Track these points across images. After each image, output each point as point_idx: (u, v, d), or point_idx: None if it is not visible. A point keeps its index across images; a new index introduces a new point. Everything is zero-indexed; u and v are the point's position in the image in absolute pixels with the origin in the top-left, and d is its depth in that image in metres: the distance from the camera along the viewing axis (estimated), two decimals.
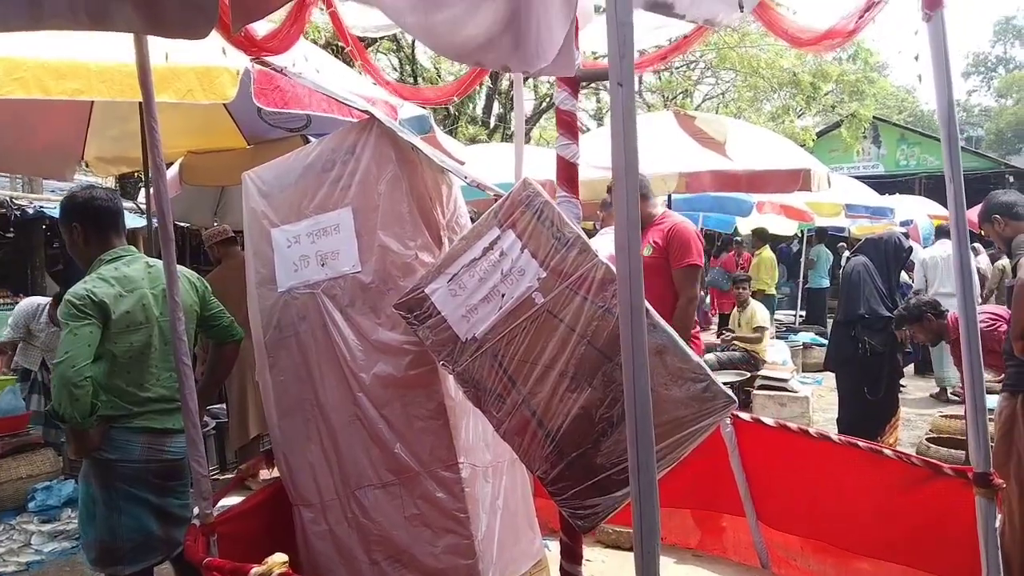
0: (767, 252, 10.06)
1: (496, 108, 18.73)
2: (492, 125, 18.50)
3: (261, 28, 3.03)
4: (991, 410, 4.00)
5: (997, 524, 3.20)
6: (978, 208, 3.90)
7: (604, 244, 4.74)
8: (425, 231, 2.64)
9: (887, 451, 2.79)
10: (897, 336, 4.97)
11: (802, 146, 14.59)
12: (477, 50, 1.89)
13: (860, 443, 2.85)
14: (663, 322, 2.28)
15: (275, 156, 3.01)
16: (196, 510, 2.46)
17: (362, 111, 2.75)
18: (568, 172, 2.51)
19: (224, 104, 5.43)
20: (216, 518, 2.43)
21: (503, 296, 2.32)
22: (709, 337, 7.77)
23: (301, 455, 2.70)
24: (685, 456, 2.21)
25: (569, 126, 2.54)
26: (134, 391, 2.71)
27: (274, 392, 2.76)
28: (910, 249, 5.80)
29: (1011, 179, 17.22)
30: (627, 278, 1.47)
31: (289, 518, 2.73)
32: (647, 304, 2.29)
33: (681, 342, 2.28)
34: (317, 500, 2.66)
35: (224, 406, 5.86)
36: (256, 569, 1.87)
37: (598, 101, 21.33)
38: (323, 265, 2.68)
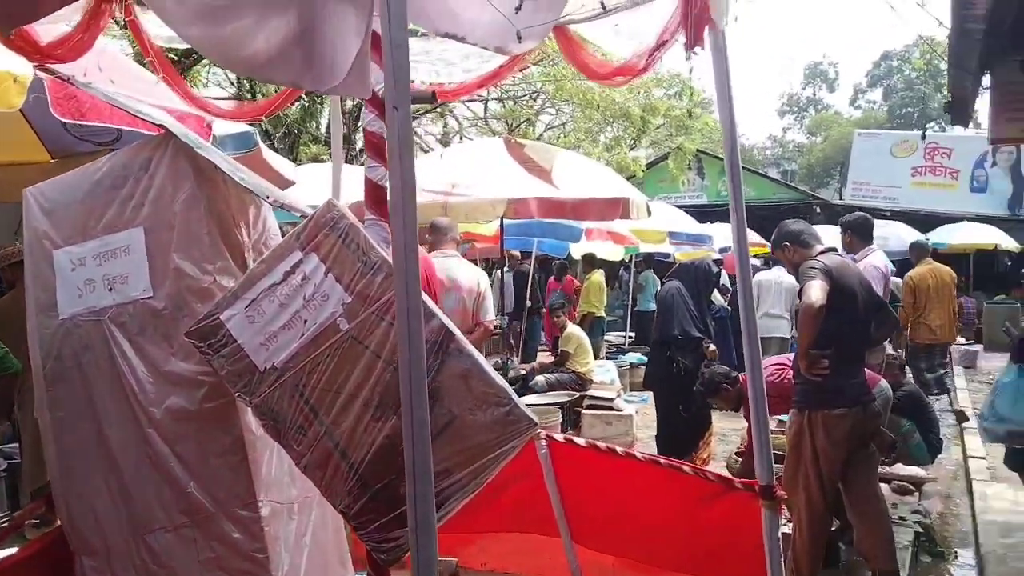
0: (596, 276, 10.48)
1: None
2: None
3: (45, 32, 2.80)
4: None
5: (789, 531, 3.46)
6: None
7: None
8: (226, 253, 2.51)
9: (685, 467, 2.93)
10: (707, 355, 5.29)
11: (632, 176, 15.38)
12: (266, 65, 1.83)
13: (661, 460, 2.98)
14: (469, 347, 2.28)
15: None
16: None
17: (157, 125, 2.59)
18: (376, 194, 2.47)
19: (23, 113, 4.96)
20: None
21: (305, 322, 2.24)
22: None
23: (83, 498, 2.47)
24: (488, 481, 2.21)
25: (377, 148, 2.50)
26: None
27: (54, 430, 2.52)
28: (718, 274, 6.21)
29: (818, 209, 18.95)
30: (405, 304, 1.45)
31: (70, 570, 2.49)
32: (455, 330, 2.31)
33: (487, 366, 2.29)
34: (101, 547, 2.44)
35: (17, 445, 5.32)
36: None
37: (445, 126, 21.51)
38: (111, 290, 2.49)
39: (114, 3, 2.82)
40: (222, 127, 4.21)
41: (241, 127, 4.70)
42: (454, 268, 4.61)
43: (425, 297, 2.32)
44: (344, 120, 19.28)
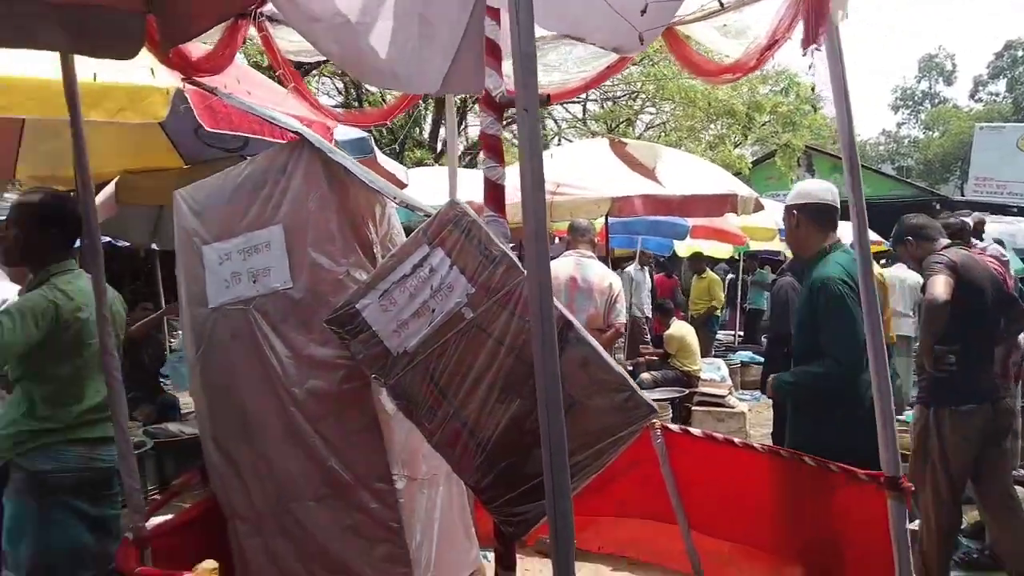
0: (711, 273, 10.34)
1: (442, 133, 18.85)
2: (439, 149, 18.62)
3: (195, 49, 3.06)
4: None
5: (915, 526, 3.35)
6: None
7: (563, 265, 4.82)
8: (357, 249, 2.68)
9: (807, 459, 2.90)
10: None
11: (737, 174, 15.05)
12: (394, 75, 1.96)
13: (782, 451, 2.96)
14: (586, 334, 2.36)
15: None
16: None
17: (293, 132, 2.79)
18: (494, 192, 2.58)
19: (161, 124, 5.40)
20: (149, 531, 2.41)
21: (433, 311, 2.37)
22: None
23: (234, 470, 2.69)
24: (608, 464, 2.28)
25: (495, 149, 2.61)
26: (73, 405, 2.76)
27: (207, 408, 2.76)
28: None
29: (938, 206, 17.96)
30: (538, 293, 1.54)
31: (226, 532, 2.71)
32: (573, 319, 2.39)
33: (604, 354, 2.36)
34: (251, 514, 2.66)
35: (165, 426, 5.82)
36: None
37: (543, 128, 21.64)
38: (255, 282, 2.69)
39: (249, 22, 3.06)
40: (342, 133, 4.47)
41: (358, 133, 4.96)
42: (588, 269, 4.69)
43: None
44: (446, 125, 19.68)
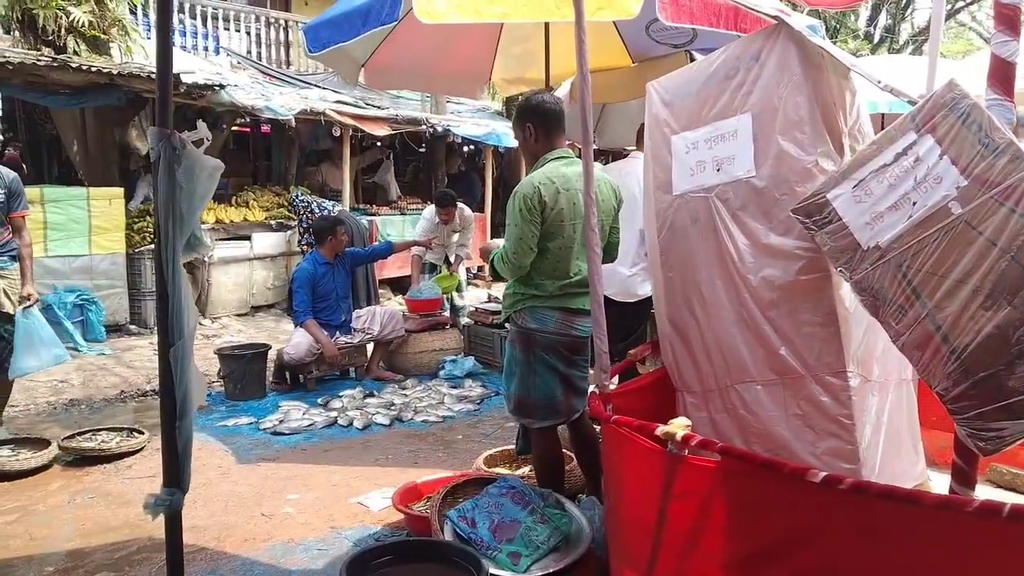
0: None
1: (883, 19, 16.95)
2: (877, 38, 16.83)
3: None
4: None
5: None
6: None
7: None
8: (826, 137, 2.60)
9: None
10: None
11: None
12: None
13: None
14: None
15: (658, 73, 3.15)
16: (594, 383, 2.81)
17: (771, 18, 2.76)
18: (1004, 72, 2.28)
19: (615, 25, 5.74)
20: (612, 390, 2.75)
21: (914, 204, 2.23)
22: None
23: (685, 346, 2.90)
24: None
25: (1010, 21, 2.29)
26: (557, 278, 3.26)
27: (664, 287, 2.98)
28: None
29: None
30: None
31: (673, 402, 2.98)
32: None
33: None
34: (699, 388, 2.85)
35: None
36: (662, 428, 2.10)
37: None
38: (718, 170, 2.79)
39: None
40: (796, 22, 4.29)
41: (807, 20, 4.71)
42: None
43: None
44: (888, 11, 17.68)
